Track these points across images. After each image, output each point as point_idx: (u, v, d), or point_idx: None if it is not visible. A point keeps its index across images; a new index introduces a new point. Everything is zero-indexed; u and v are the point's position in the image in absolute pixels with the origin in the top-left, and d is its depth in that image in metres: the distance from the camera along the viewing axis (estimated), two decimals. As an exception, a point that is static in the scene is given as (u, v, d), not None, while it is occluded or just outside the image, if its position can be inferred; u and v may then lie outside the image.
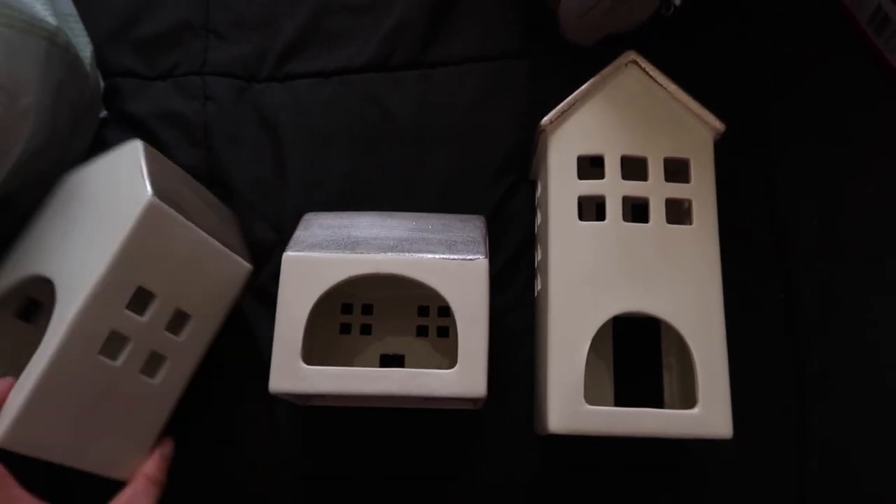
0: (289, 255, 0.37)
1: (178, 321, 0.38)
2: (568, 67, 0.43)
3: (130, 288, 0.35)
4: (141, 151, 0.37)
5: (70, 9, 0.44)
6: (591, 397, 0.35)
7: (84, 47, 0.44)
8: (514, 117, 0.46)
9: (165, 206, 0.35)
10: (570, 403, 0.36)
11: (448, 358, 0.42)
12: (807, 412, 0.42)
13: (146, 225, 0.34)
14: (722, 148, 0.39)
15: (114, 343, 0.35)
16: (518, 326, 0.43)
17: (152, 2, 0.48)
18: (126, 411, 0.36)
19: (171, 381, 0.38)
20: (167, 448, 0.39)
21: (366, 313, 0.44)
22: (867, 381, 0.42)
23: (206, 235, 0.38)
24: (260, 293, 0.44)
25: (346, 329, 0.44)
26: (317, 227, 0.40)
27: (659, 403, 0.42)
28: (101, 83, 0.47)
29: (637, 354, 0.43)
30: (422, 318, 0.44)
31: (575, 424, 0.35)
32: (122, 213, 0.34)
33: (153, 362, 0.37)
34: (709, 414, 0.35)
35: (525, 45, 0.47)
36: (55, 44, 0.39)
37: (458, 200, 0.45)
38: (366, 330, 0.44)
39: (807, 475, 0.41)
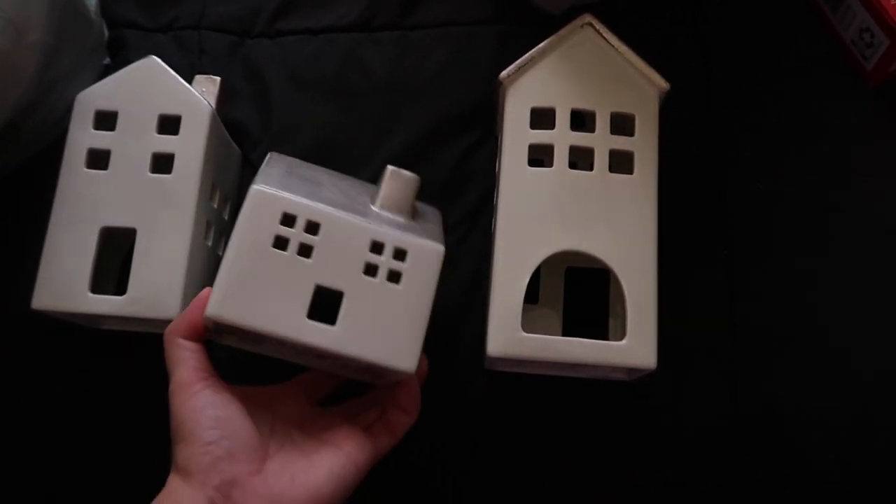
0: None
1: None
2: (536, 34, 0.44)
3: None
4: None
5: (79, -42, 0.48)
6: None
7: (90, -5, 0.48)
8: (483, 79, 0.49)
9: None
10: (508, 330, 0.38)
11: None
12: (737, 355, 0.44)
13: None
14: (671, 110, 0.42)
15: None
16: (474, 273, 0.46)
17: (156, -43, 0.52)
18: None
19: None
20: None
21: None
22: (798, 329, 0.45)
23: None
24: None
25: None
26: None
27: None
28: (106, 32, 0.51)
29: (586, 305, 0.45)
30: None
31: (511, 349, 0.38)
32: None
33: None
34: (635, 345, 0.38)
35: (497, 13, 0.51)
36: (61, -13, 0.44)
37: (424, 153, 0.48)
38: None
39: (735, 414, 0.44)
